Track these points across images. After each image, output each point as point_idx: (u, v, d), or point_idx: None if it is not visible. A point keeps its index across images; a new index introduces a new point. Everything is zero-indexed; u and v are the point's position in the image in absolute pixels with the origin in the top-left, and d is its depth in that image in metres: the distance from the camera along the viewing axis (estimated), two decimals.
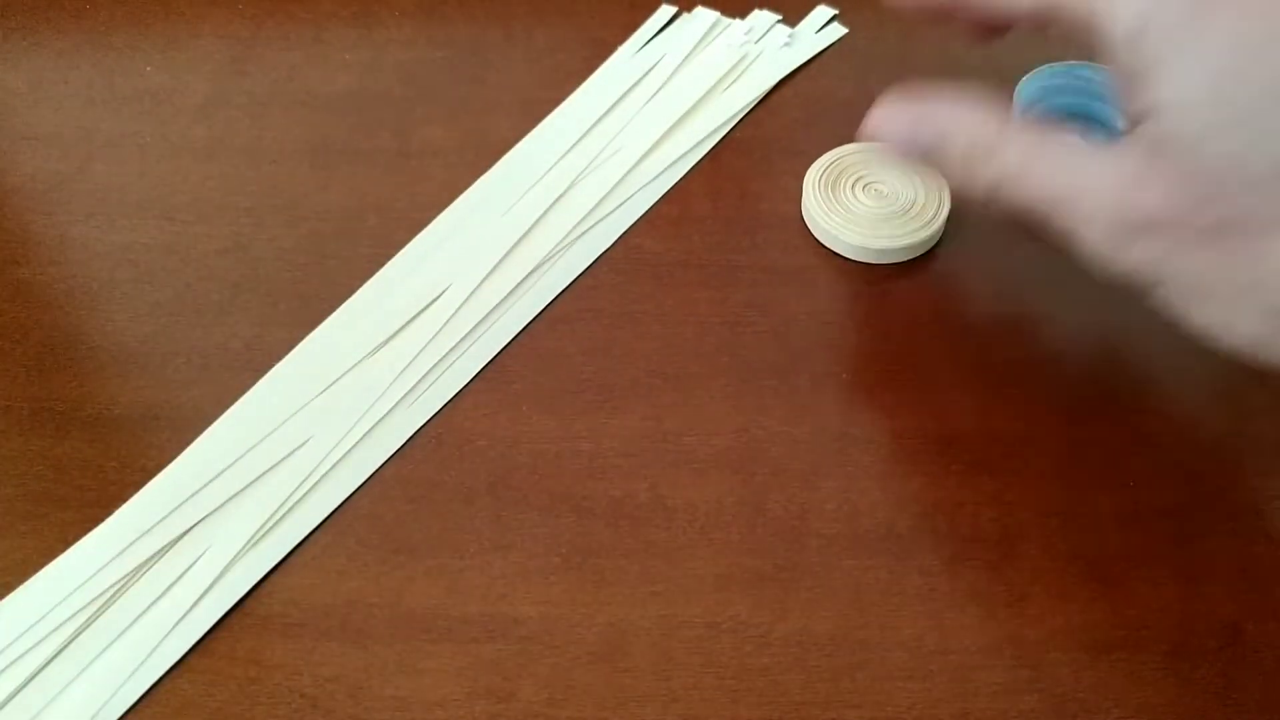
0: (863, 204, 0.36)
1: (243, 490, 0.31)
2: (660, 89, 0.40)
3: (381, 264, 0.36)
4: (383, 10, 0.44)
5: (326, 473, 0.31)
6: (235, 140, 0.40)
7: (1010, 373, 0.33)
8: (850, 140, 0.38)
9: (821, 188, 0.37)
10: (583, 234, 0.36)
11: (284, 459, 0.31)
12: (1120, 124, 0.38)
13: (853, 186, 0.37)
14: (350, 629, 0.28)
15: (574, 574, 0.29)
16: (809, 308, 0.35)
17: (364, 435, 0.32)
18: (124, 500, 0.30)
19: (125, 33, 0.44)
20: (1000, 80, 0.41)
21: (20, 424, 0.32)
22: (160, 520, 0.30)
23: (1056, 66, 0.39)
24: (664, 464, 0.31)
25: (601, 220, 0.37)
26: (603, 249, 0.36)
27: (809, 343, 0.34)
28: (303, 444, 0.31)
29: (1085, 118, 0.39)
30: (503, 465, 0.31)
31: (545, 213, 0.37)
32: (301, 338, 0.34)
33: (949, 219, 0.36)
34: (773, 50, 0.42)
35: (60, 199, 0.38)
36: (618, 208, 0.37)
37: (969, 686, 0.27)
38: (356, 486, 0.31)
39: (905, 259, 0.36)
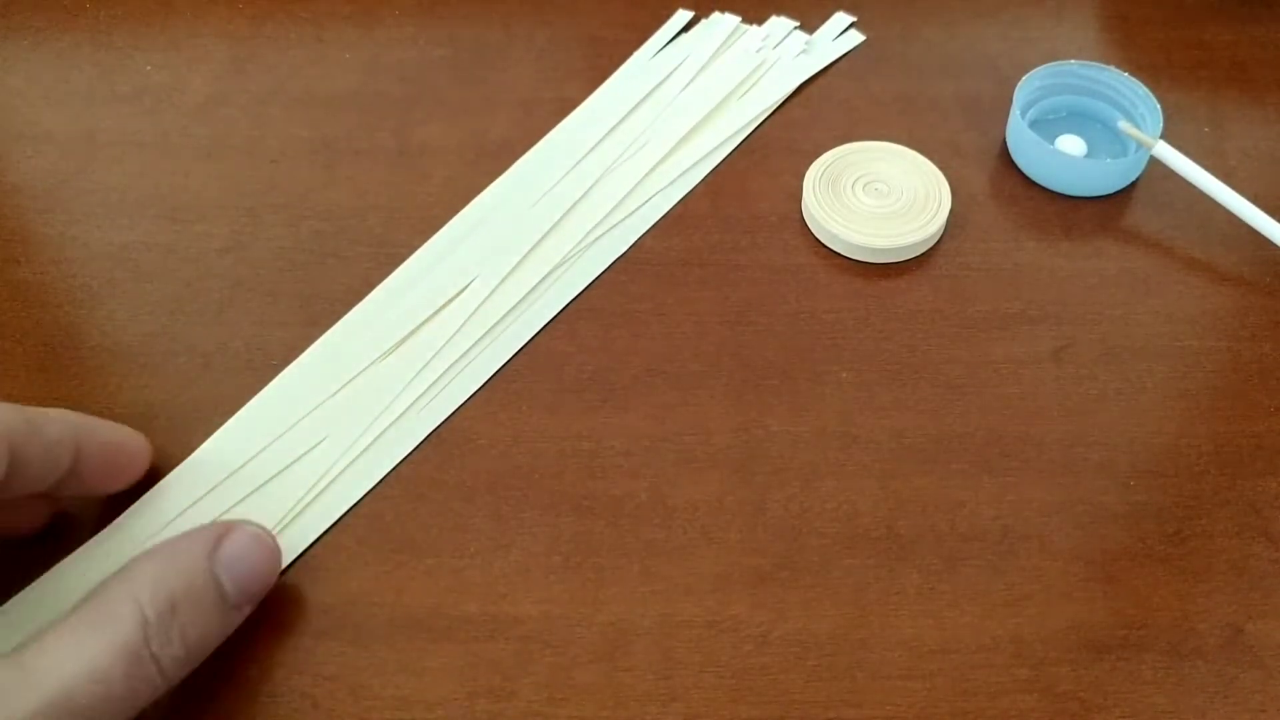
0: (863, 203, 0.36)
1: (253, 492, 0.31)
2: (679, 94, 0.40)
3: (382, 263, 0.36)
4: (383, 9, 0.44)
5: (336, 476, 0.31)
6: (235, 139, 0.40)
7: (1009, 372, 0.33)
8: (851, 139, 0.38)
9: (822, 187, 0.37)
10: (597, 239, 0.36)
11: (295, 461, 0.31)
12: (1120, 123, 0.38)
13: (853, 186, 0.37)
14: (350, 628, 0.28)
15: (574, 573, 0.29)
16: (809, 307, 0.35)
17: (375, 439, 0.32)
18: (125, 503, 0.30)
19: (125, 32, 0.44)
20: (1000, 79, 0.41)
21: None
22: (169, 521, 0.30)
23: (1056, 66, 0.39)
24: (664, 463, 0.31)
25: (616, 225, 0.37)
26: (617, 254, 0.36)
27: (809, 342, 0.34)
28: (315, 445, 0.31)
29: (1085, 117, 0.39)
30: (503, 465, 0.31)
31: (561, 218, 0.36)
32: (302, 337, 0.34)
33: (949, 218, 0.36)
34: (790, 57, 0.42)
35: (60, 198, 0.38)
36: (631, 214, 0.37)
37: (969, 686, 0.27)
38: (365, 491, 0.31)
39: (905, 258, 0.36)
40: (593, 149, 0.38)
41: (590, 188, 0.37)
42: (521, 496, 0.31)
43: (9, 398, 0.33)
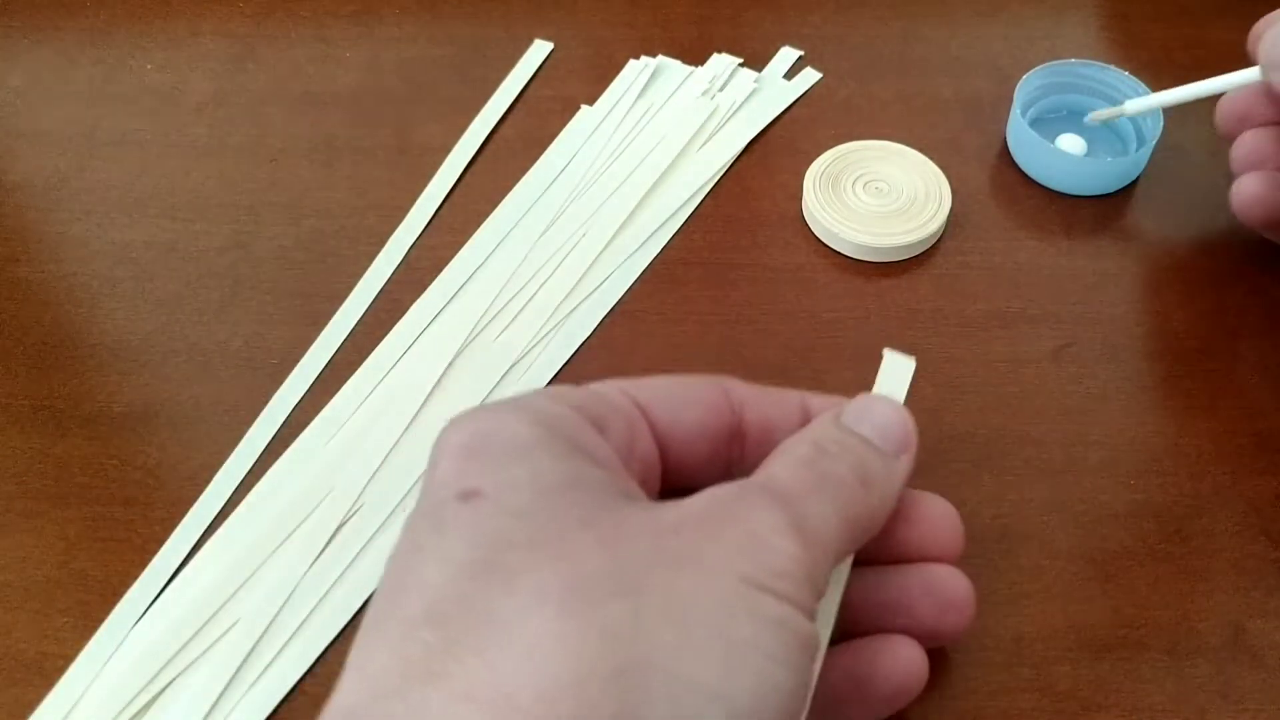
0: (863, 202, 0.36)
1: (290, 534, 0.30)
2: (626, 149, 0.39)
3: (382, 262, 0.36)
4: (384, 8, 0.44)
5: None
6: (236, 138, 0.40)
7: (1009, 371, 0.33)
8: (851, 139, 0.38)
9: (822, 186, 0.37)
10: (576, 307, 0.35)
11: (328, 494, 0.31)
12: (1088, 116, 0.38)
13: (853, 184, 0.37)
14: (351, 627, 0.28)
15: None
16: (809, 306, 0.35)
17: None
18: (123, 498, 0.31)
19: (126, 30, 0.44)
20: (1000, 78, 0.41)
21: (20, 421, 0.32)
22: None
23: (1056, 65, 0.39)
24: None
25: (597, 287, 0.35)
26: (601, 315, 0.34)
27: (809, 341, 0.34)
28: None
29: (1084, 115, 0.39)
30: None
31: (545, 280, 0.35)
32: (302, 336, 0.34)
33: (949, 217, 0.36)
34: (741, 99, 0.40)
35: (61, 196, 0.38)
36: (605, 280, 0.35)
37: (969, 686, 0.27)
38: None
39: (905, 257, 0.36)
40: (552, 224, 0.37)
41: (545, 275, 0.35)
42: None
43: (9, 395, 0.33)
